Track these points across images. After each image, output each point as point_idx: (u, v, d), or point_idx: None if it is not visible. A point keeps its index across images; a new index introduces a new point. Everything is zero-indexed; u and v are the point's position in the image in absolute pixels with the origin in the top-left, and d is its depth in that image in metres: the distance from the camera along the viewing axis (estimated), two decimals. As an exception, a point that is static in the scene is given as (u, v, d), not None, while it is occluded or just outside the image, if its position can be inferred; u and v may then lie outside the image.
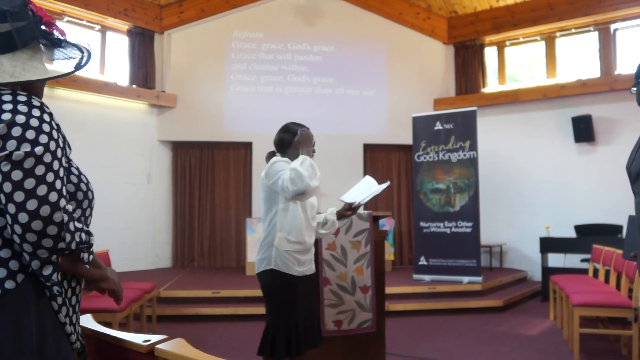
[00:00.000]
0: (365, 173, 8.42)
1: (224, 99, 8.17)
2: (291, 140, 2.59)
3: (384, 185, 2.89)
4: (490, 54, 8.65)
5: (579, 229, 6.86)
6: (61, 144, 1.21)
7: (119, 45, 7.90)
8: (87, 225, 1.36)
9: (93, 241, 1.26)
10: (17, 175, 1.10)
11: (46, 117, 1.18)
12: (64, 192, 1.17)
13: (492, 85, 8.58)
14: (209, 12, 8.22)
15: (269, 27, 8.34)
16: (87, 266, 1.27)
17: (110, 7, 7.56)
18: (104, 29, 7.75)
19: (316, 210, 2.71)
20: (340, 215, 2.85)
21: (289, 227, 2.51)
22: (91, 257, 1.28)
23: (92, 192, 1.36)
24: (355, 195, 2.87)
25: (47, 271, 1.15)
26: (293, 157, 2.54)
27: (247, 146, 8.27)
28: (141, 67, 7.87)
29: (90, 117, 7.21)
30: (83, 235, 1.20)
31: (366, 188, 2.90)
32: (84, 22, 7.43)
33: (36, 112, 1.16)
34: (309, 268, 2.60)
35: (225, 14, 8.29)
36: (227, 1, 8.27)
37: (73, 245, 1.17)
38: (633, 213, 2.39)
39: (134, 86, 7.76)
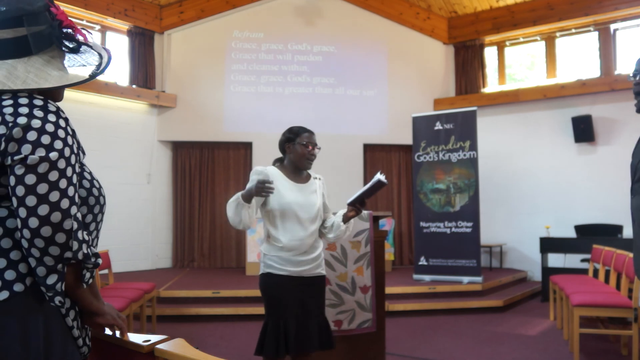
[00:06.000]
0: (365, 173, 8.44)
1: (224, 99, 8.17)
2: (283, 145, 2.66)
3: (379, 177, 2.60)
4: (490, 54, 8.65)
5: (579, 229, 6.86)
6: (75, 150, 1.20)
7: (119, 45, 7.90)
8: (98, 230, 1.35)
9: (99, 262, 1.24)
10: (30, 179, 1.09)
11: (62, 123, 1.16)
12: (76, 200, 1.16)
13: (492, 85, 8.58)
14: (208, 12, 8.22)
15: (269, 27, 8.34)
16: (85, 285, 1.24)
17: (110, 7, 7.56)
18: (103, 29, 7.75)
19: (316, 209, 2.60)
20: (346, 217, 2.66)
21: (275, 233, 2.53)
22: (91, 280, 1.26)
23: (104, 197, 1.35)
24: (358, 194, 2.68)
25: (51, 280, 1.13)
26: (289, 163, 2.64)
27: (247, 146, 8.27)
28: (141, 67, 7.87)
29: (90, 117, 7.21)
30: (91, 250, 1.19)
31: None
32: (84, 22, 7.42)
33: (52, 117, 1.15)
34: (307, 269, 2.54)
35: (225, 14, 8.29)
36: (227, 1, 8.27)
37: (80, 255, 1.15)
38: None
39: (134, 86, 7.76)
